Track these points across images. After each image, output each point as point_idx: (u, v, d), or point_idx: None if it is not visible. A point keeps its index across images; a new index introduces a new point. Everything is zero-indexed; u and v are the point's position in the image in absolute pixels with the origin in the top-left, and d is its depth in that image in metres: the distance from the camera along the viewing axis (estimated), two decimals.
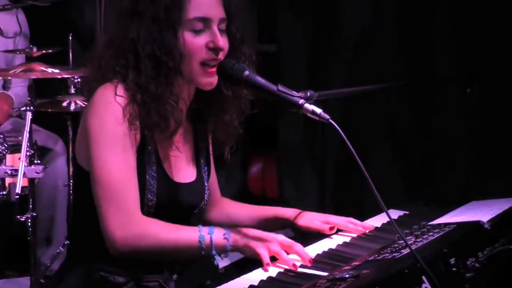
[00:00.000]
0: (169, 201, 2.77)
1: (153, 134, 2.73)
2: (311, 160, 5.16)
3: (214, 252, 2.64)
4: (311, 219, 2.98)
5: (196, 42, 2.70)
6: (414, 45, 4.75)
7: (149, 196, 2.72)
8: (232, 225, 2.82)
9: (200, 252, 2.64)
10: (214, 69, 2.73)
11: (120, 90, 2.68)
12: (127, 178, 2.66)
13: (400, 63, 4.78)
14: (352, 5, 4.97)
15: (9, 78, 5.06)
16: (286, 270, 2.55)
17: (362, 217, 3.09)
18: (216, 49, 2.71)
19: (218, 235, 2.64)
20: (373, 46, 4.91)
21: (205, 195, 2.97)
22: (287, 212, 3.04)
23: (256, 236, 2.67)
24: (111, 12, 3.24)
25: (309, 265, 2.56)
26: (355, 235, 2.90)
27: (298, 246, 2.63)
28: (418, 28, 4.75)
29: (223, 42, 2.72)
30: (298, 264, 2.56)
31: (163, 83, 2.69)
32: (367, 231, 2.94)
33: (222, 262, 2.85)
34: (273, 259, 2.61)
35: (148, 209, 2.70)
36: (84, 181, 2.73)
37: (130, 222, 2.62)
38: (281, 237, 2.67)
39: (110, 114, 2.65)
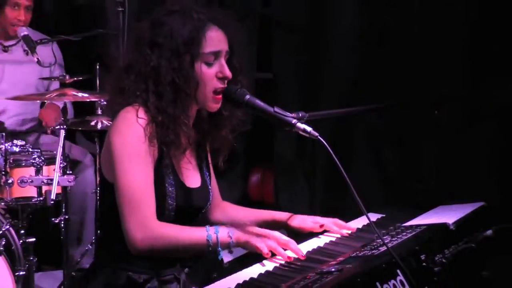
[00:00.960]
0: (185, 204, 2.78)
1: (169, 150, 2.73)
2: (302, 171, 5.16)
3: (219, 248, 2.64)
4: (303, 220, 2.97)
5: (209, 73, 2.73)
6: (391, 73, 4.75)
7: (169, 201, 2.73)
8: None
9: (208, 249, 2.65)
10: (221, 96, 2.76)
11: (141, 113, 2.68)
12: (145, 189, 2.66)
13: (378, 88, 4.77)
14: (336, 40, 4.97)
15: (47, 100, 5.06)
16: (281, 265, 2.55)
17: (346, 219, 3.08)
18: (224, 78, 2.74)
19: (223, 234, 2.65)
20: (354, 75, 4.90)
21: (210, 197, 2.98)
22: (282, 215, 3.04)
23: (256, 233, 2.68)
24: (130, 41, 3.23)
25: (302, 259, 2.57)
26: (339, 235, 2.89)
27: (293, 243, 2.64)
28: (395, 57, 4.75)
29: (229, 72, 2.75)
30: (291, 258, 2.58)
31: (180, 106, 2.70)
32: (350, 232, 2.93)
33: (226, 258, 2.85)
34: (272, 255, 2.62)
35: (169, 213, 2.71)
36: (108, 191, 2.74)
37: (148, 225, 2.63)
38: (278, 235, 2.68)
39: (132, 134, 2.66)
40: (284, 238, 2.67)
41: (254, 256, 2.65)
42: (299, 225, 2.97)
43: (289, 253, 2.61)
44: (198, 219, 2.94)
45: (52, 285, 4.79)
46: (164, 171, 2.75)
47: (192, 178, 2.89)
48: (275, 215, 3.07)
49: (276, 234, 2.70)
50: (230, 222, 2.91)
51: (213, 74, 2.74)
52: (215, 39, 2.74)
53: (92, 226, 5.02)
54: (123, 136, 2.68)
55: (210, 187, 2.99)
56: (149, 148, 2.67)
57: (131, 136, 2.67)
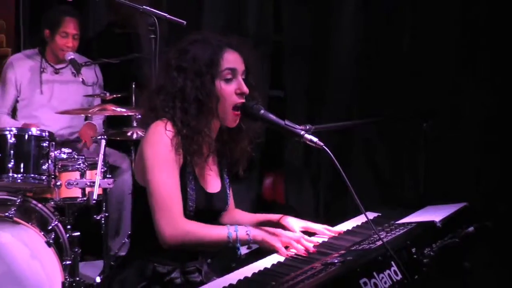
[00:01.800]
0: (204, 206, 2.78)
1: (193, 158, 2.73)
2: (309, 176, 5.15)
3: (238, 244, 2.64)
4: (292, 225, 2.93)
5: (228, 89, 2.74)
6: (386, 91, 4.74)
7: (190, 203, 2.73)
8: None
9: (228, 245, 2.65)
10: (239, 112, 2.77)
11: (169, 126, 2.70)
12: (173, 192, 2.67)
13: (374, 104, 4.77)
14: (337, 63, 4.97)
15: (90, 115, 5.07)
16: (291, 256, 2.55)
17: (346, 217, 3.07)
18: (242, 94, 2.75)
19: (242, 232, 2.65)
20: (353, 93, 4.90)
21: (228, 201, 2.97)
22: (274, 217, 3.01)
23: (270, 232, 2.68)
24: (160, 67, 3.26)
25: (311, 251, 2.58)
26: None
27: (303, 238, 2.66)
28: (389, 78, 4.75)
29: (246, 89, 2.75)
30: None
31: (203, 120, 2.71)
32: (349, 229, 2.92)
33: (243, 250, 2.84)
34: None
35: (189, 213, 2.71)
36: (140, 194, 2.75)
37: (176, 223, 2.63)
38: (289, 233, 2.69)
39: (161, 145, 2.67)
40: (296, 235, 2.68)
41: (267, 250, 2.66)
42: (288, 228, 2.92)
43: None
44: (217, 221, 2.93)
45: (93, 273, 4.78)
46: (187, 177, 2.75)
47: (213, 184, 2.89)
48: (269, 218, 3.04)
49: (289, 233, 2.71)
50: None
51: (232, 90, 2.75)
52: (231, 59, 2.77)
53: (129, 222, 5.02)
54: (154, 146, 2.69)
55: (229, 192, 2.98)
56: (175, 156, 2.68)
57: (160, 146, 2.68)
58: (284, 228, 2.88)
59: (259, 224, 2.97)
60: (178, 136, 2.70)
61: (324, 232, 2.88)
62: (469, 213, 3.03)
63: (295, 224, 2.91)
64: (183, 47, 2.80)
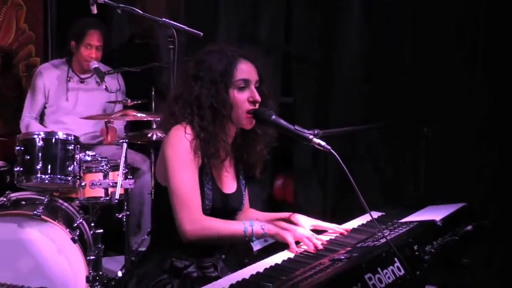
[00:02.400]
0: (220, 205, 2.79)
1: (210, 160, 2.74)
2: (316, 177, 5.14)
3: (254, 238, 2.66)
4: (302, 222, 2.91)
5: (241, 97, 2.74)
6: (389, 98, 4.74)
7: (207, 202, 2.73)
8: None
9: (245, 239, 2.67)
10: (252, 115, 2.77)
11: (188, 130, 2.71)
12: (192, 190, 2.69)
13: (379, 109, 4.76)
14: (343, 71, 4.96)
15: (112, 120, 5.08)
16: (300, 253, 2.55)
17: (352, 216, 3.06)
18: (254, 102, 2.75)
19: (257, 227, 2.67)
20: (358, 99, 4.89)
21: (243, 201, 2.97)
22: (285, 215, 2.99)
23: (284, 227, 2.70)
24: (177, 77, 3.28)
25: (320, 248, 2.58)
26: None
27: (313, 235, 2.67)
28: (391, 86, 4.73)
29: (258, 97, 2.75)
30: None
31: (218, 126, 2.72)
32: (354, 227, 2.90)
33: (256, 247, 2.84)
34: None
35: (206, 211, 2.72)
36: (160, 193, 2.77)
37: (195, 219, 2.65)
38: (301, 230, 2.69)
39: (181, 147, 2.69)
40: (307, 232, 2.68)
41: (278, 246, 2.65)
42: (297, 223, 2.90)
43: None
44: (233, 220, 2.93)
45: (115, 268, 4.79)
46: (204, 177, 2.76)
47: (229, 185, 2.89)
48: (281, 215, 3.01)
49: (300, 229, 2.72)
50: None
51: (245, 98, 2.76)
52: (245, 69, 2.77)
53: (148, 220, 5.02)
54: (174, 148, 2.71)
55: (244, 193, 2.98)
56: (194, 158, 2.70)
57: (180, 148, 2.69)
58: (294, 225, 2.87)
59: (272, 221, 2.97)
60: (196, 140, 2.71)
61: (332, 229, 2.88)
62: (467, 213, 3.03)
63: (305, 221, 2.91)
64: (200, 57, 2.81)
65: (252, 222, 2.69)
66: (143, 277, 2.76)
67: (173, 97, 2.85)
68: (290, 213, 2.99)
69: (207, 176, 2.77)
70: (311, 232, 2.72)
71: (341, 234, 2.81)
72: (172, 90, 3.25)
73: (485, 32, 4.32)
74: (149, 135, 4.66)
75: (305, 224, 2.88)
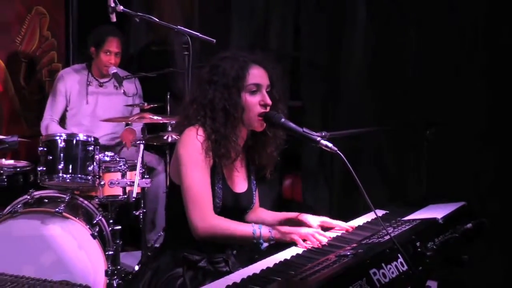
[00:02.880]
0: (230, 204, 2.79)
1: (221, 161, 2.74)
2: (323, 177, 5.13)
3: (261, 240, 2.65)
4: (309, 221, 2.91)
5: (252, 101, 2.74)
6: (393, 101, 4.73)
7: (217, 200, 2.74)
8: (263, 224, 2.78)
9: (252, 240, 2.66)
10: (263, 118, 2.76)
11: (200, 131, 2.72)
12: (204, 189, 2.69)
13: (383, 113, 4.75)
14: (349, 75, 4.96)
15: (130, 122, 5.10)
16: (308, 249, 2.54)
17: (357, 214, 3.05)
18: (265, 105, 2.76)
19: (265, 230, 2.67)
20: (364, 102, 4.88)
21: (254, 200, 2.97)
22: (294, 215, 2.99)
23: (287, 232, 2.69)
24: (193, 81, 3.28)
25: (325, 243, 2.57)
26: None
27: (320, 231, 2.66)
28: (395, 90, 4.73)
29: (269, 101, 2.75)
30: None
31: (229, 127, 2.72)
32: (360, 224, 2.89)
33: (264, 243, 2.83)
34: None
35: (217, 209, 2.72)
36: (174, 192, 2.77)
37: (207, 217, 2.65)
38: (305, 229, 2.68)
39: (193, 147, 2.69)
40: (310, 230, 2.67)
41: (287, 242, 2.65)
42: (306, 222, 2.90)
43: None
44: (243, 218, 2.93)
45: (132, 262, 4.80)
46: (215, 177, 2.76)
47: (240, 184, 2.89)
48: (290, 215, 3.01)
49: (304, 229, 2.71)
50: (259, 222, 2.87)
51: (256, 102, 2.76)
52: (256, 74, 2.77)
53: (163, 217, 5.02)
54: (187, 148, 2.71)
55: (254, 193, 2.98)
56: (206, 158, 2.70)
57: (193, 148, 2.69)
58: (303, 224, 2.87)
59: (280, 221, 2.97)
60: (208, 141, 2.71)
61: (338, 226, 2.87)
62: (467, 211, 3.02)
63: (313, 220, 2.90)
64: (214, 63, 2.82)
65: (261, 225, 2.69)
66: (157, 270, 2.77)
67: (189, 100, 2.86)
68: (298, 213, 2.98)
69: (218, 176, 2.78)
70: (315, 229, 2.71)
71: (347, 231, 2.80)
72: (187, 94, 3.25)
73: (485, 36, 4.31)
74: (165, 137, 4.67)
75: (313, 222, 2.88)
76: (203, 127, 2.74)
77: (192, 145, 2.70)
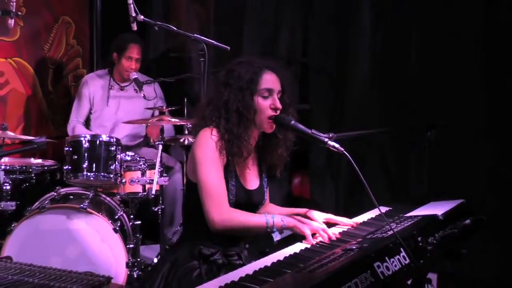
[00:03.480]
0: (242, 200, 2.80)
1: (234, 159, 2.74)
2: (330, 176, 5.12)
3: (275, 229, 2.66)
4: (316, 217, 2.89)
5: (264, 104, 2.75)
6: (395, 104, 4.72)
7: (231, 196, 2.75)
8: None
9: (266, 230, 2.67)
10: (273, 121, 2.77)
11: (214, 132, 2.73)
12: (219, 184, 2.69)
13: (387, 115, 4.74)
14: (354, 80, 4.95)
15: (149, 124, 5.10)
16: (316, 243, 2.53)
17: (362, 211, 3.05)
18: (275, 109, 2.76)
19: (277, 220, 2.67)
20: (369, 106, 4.87)
21: (265, 197, 2.97)
22: (302, 211, 2.98)
23: (301, 221, 2.69)
24: (210, 84, 3.29)
25: (334, 239, 2.57)
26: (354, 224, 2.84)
27: (326, 228, 2.65)
28: (398, 94, 4.72)
29: (279, 105, 2.75)
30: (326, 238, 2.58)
31: (242, 128, 2.73)
32: (364, 220, 2.89)
33: (276, 237, 2.83)
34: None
35: (230, 205, 2.72)
36: (191, 189, 2.78)
37: (222, 210, 2.66)
38: (315, 223, 2.67)
39: (208, 147, 2.70)
40: (321, 224, 2.66)
41: (297, 237, 2.64)
42: (312, 218, 2.88)
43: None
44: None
45: (152, 255, 4.81)
46: (229, 174, 2.77)
47: (252, 182, 2.89)
48: (298, 211, 3.01)
49: (315, 223, 2.70)
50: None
51: (267, 105, 2.76)
52: (269, 80, 2.77)
53: (180, 213, 5.04)
54: (202, 147, 2.72)
55: (265, 190, 2.98)
56: (219, 156, 2.71)
57: (207, 147, 2.71)
58: (310, 220, 2.86)
59: (289, 216, 2.96)
60: (221, 140, 2.72)
61: (344, 223, 2.86)
62: (466, 208, 3.00)
63: (319, 216, 2.89)
64: (230, 67, 2.83)
65: (274, 215, 2.70)
66: (175, 262, 2.76)
67: (205, 102, 2.88)
68: (306, 209, 2.98)
69: (231, 173, 2.78)
70: (325, 226, 2.71)
71: (352, 226, 2.80)
72: (204, 96, 3.26)
73: (486, 35, 4.30)
74: (181, 140, 4.68)
75: (318, 218, 2.87)
76: (217, 127, 2.75)
77: (207, 145, 2.71)
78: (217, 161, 2.71)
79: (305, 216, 2.91)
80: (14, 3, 4.08)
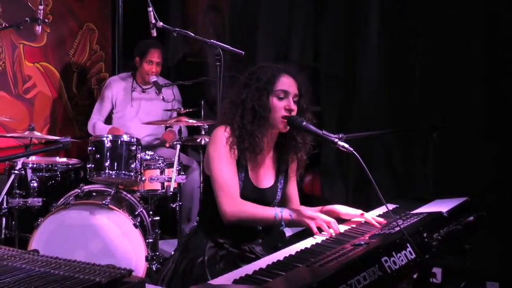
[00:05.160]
0: (249, 196, 2.79)
1: (245, 154, 2.76)
2: (340, 175, 5.10)
3: (283, 223, 2.67)
4: (346, 211, 2.87)
5: (279, 104, 2.76)
6: (401, 106, 4.70)
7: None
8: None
9: (275, 223, 2.68)
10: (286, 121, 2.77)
11: (227, 129, 2.76)
12: (231, 177, 2.71)
13: (393, 117, 4.72)
14: (363, 83, 4.93)
15: (168, 125, 5.11)
16: (326, 239, 2.52)
17: (370, 208, 3.03)
18: (289, 110, 2.76)
19: (286, 213, 2.68)
20: (376, 108, 4.85)
21: (277, 197, 2.94)
22: (316, 209, 2.95)
23: (309, 216, 2.67)
24: (231, 86, 3.30)
25: (338, 233, 2.56)
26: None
27: (334, 223, 2.63)
28: (404, 97, 4.70)
29: (293, 107, 2.76)
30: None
31: (256, 125, 2.74)
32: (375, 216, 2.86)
33: (288, 233, 2.81)
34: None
35: None
36: (207, 183, 2.80)
37: (234, 202, 2.68)
38: (324, 217, 2.66)
39: (220, 143, 2.74)
40: (328, 218, 2.64)
41: (308, 232, 2.63)
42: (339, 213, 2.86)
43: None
44: None
45: (170, 249, 4.81)
46: (238, 169, 2.77)
47: (265, 180, 2.89)
48: (328, 209, 2.94)
49: (322, 216, 2.67)
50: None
51: (282, 106, 2.77)
52: (285, 82, 2.78)
53: (197, 209, 5.04)
54: (214, 143, 2.76)
55: (279, 190, 2.95)
56: (230, 151, 2.73)
57: (219, 143, 2.74)
58: (336, 215, 2.82)
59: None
60: (233, 137, 2.75)
61: (376, 220, 2.73)
62: (469, 206, 2.99)
63: (347, 211, 2.86)
64: (252, 70, 2.86)
65: (283, 209, 2.70)
66: (186, 249, 2.81)
67: (226, 101, 2.91)
68: (331, 206, 2.93)
69: (241, 168, 2.79)
70: (333, 219, 2.66)
71: (380, 223, 2.72)
72: (220, 99, 3.28)
73: (488, 38, 4.28)
74: (198, 140, 4.69)
75: (347, 212, 2.84)
76: (231, 125, 2.77)
77: (219, 141, 2.74)
78: (227, 156, 2.73)
79: (330, 212, 2.85)
80: (42, 11, 4.10)
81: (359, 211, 2.83)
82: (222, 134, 2.75)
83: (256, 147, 2.77)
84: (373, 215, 2.88)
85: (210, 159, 2.74)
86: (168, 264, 2.82)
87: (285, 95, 2.77)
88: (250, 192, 2.81)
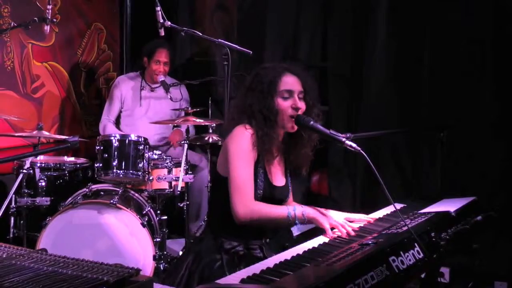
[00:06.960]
0: (268, 195, 2.78)
1: (264, 156, 2.77)
2: (348, 174, 5.10)
3: (296, 221, 2.66)
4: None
5: (285, 104, 2.75)
6: (409, 106, 4.69)
7: (258, 191, 2.75)
8: None
9: (288, 222, 2.67)
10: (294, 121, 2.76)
11: (248, 127, 2.74)
12: (248, 178, 2.69)
13: (401, 117, 4.72)
14: (370, 83, 4.92)
15: (176, 124, 5.12)
16: (334, 238, 2.52)
17: (378, 207, 3.03)
18: (296, 109, 2.75)
19: (299, 211, 2.66)
20: (383, 108, 4.84)
21: (289, 194, 2.97)
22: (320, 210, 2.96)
23: (322, 213, 2.68)
24: (236, 89, 3.31)
25: (352, 234, 2.55)
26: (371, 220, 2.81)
27: (345, 223, 2.63)
28: (412, 97, 4.69)
29: (300, 105, 2.75)
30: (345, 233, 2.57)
31: (268, 127, 2.73)
32: (380, 216, 2.87)
33: (295, 232, 2.81)
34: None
35: (257, 199, 2.71)
36: (219, 184, 2.78)
37: (248, 203, 2.65)
38: (336, 217, 2.67)
39: (242, 141, 2.72)
40: (341, 220, 2.64)
41: (316, 232, 2.63)
42: None
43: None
44: None
45: (177, 248, 4.83)
46: (258, 170, 2.76)
47: (278, 179, 2.89)
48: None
49: (334, 214, 2.68)
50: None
51: (288, 106, 2.76)
52: (289, 82, 2.77)
53: (205, 209, 5.05)
54: (236, 141, 2.72)
55: (290, 187, 2.97)
56: (252, 151, 2.71)
57: (242, 141, 2.71)
58: None
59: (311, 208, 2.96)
60: (255, 136, 2.72)
61: (361, 219, 2.83)
62: (477, 205, 2.98)
63: (337, 216, 2.86)
64: (256, 72, 2.85)
65: (295, 207, 2.69)
66: (199, 253, 2.77)
67: (233, 105, 2.90)
68: (324, 210, 2.96)
69: (260, 169, 2.78)
70: (345, 220, 2.69)
71: (369, 222, 2.78)
72: (227, 99, 3.28)
73: (495, 40, 4.26)
74: (206, 138, 4.69)
75: (337, 218, 2.86)
76: (250, 124, 2.75)
77: (241, 139, 2.71)
78: (249, 156, 2.70)
79: None
80: (50, 11, 4.12)
81: (343, 215, 2.83)
82: (245, 131, 2.72)
83: (275, 149, 2.80)
84: (381, 215, 2.88)
85: (230, 157, 2.70)
86: (180, 270, 2.77)
87: (290, 95, 2.76)
88: (269, 192, 2.81)
